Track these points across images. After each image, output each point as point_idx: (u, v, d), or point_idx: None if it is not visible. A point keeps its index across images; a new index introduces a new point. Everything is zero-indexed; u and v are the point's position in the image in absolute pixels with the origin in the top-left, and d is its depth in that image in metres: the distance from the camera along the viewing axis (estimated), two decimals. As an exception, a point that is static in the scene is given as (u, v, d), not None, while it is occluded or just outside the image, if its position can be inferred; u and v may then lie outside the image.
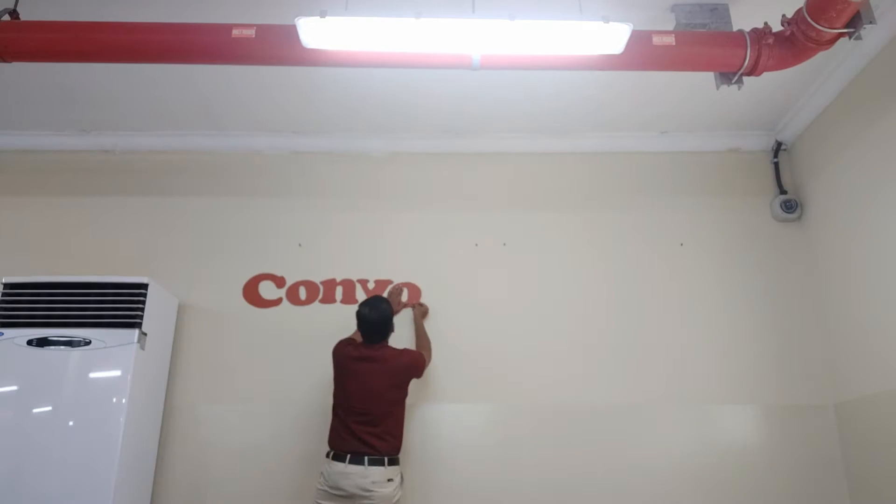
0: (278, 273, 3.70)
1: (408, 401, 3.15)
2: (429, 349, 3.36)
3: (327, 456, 2.90)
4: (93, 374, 3.03)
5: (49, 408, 2.96)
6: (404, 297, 3.61)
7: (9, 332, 3.06)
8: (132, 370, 3.04)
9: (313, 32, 2.36)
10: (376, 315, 3.07)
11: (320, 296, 3.66)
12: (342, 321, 3.58)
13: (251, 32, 2.54)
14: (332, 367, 3.10)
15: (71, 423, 2.94)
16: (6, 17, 2.59)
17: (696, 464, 3.34)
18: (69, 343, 3.06)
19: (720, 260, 3.72)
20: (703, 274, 3.69)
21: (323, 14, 2.27)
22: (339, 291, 3.67)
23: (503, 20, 2.27)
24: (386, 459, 2.85)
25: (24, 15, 2.64)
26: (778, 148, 3.88)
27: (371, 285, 3.67)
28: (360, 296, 3.64)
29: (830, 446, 3.35)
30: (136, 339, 3.08)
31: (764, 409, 3.44)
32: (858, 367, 3.22)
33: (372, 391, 2.94)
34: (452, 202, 3.87)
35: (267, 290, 3.67)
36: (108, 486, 2.86)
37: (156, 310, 3.28)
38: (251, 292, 3.67)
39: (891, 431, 2.95)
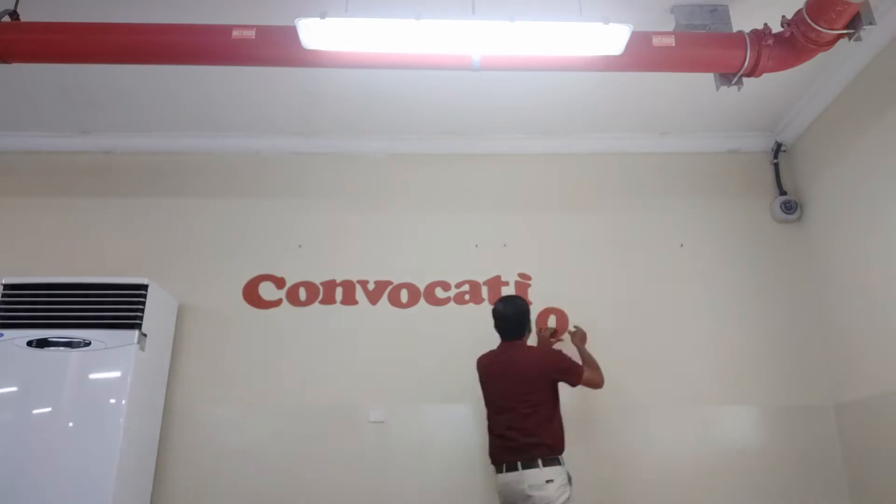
0: (278, 274, 3.70)
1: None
2: (595, 367, 3.12)
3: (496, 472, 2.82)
4: (92, 376, 3.03)
5: (49, 409, 2.96)
6: (552, 323, 3.53)
7: (9, 333, 3.06)
8: (132, 371, 3.03)
9: (313, 33, 2.36)
10: (511, 309, 2.99)
11: (320, 297, 3.66)
12: (342, 322, 3.60)
13: (251, 33, 2.54)
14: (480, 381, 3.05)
15: (71, 425, 2.94)
16: (6, 19, 2.59)
17: (696, 464, 3.34)
18: (69, 344, 3.05)
19: (720, 261, 3.72)
20: (703, 275, 3.69)
21: (323, 15, 2.27)
22: (338, 292, 3.67)
23: (503, 21, 2.27)
24: (540, 461, 2.69)
25: (25, 16, 2.64)
26: (778, 149, 3.88)
27: (371, 286, 3.67)
28: (361, 297, 3.65)
29: (830, 447, 3.35)
30: (135, 340, 3.08)
31: (764, 410, 3.44)
32: (858, 368, 3.22)
33: (507, 394, 2.84)
34: (452, 203, 3.87)
35: (267, 290, 3.67)
36: (108, 487, 2.85)
37: (156, 311, 3.28)
38: (251, 293, 3.67)
39: (891, 432, 2.95)
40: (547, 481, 2.65)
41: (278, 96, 3.55)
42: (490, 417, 2.93)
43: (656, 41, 2.59)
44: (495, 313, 3.05)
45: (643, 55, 2.61)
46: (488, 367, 3.01)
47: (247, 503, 3.27)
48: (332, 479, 3.31)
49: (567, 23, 2.32)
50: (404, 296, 3.67)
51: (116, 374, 3.03)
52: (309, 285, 3.68)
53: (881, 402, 3.03)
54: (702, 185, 3.89)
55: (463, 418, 3.43)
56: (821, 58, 2.76)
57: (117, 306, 3.14)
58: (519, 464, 2.70)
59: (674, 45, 2.60)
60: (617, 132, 3.91)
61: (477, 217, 3.83)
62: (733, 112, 3.70)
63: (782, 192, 3.81)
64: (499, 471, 2.77)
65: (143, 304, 3.16)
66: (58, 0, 2.77)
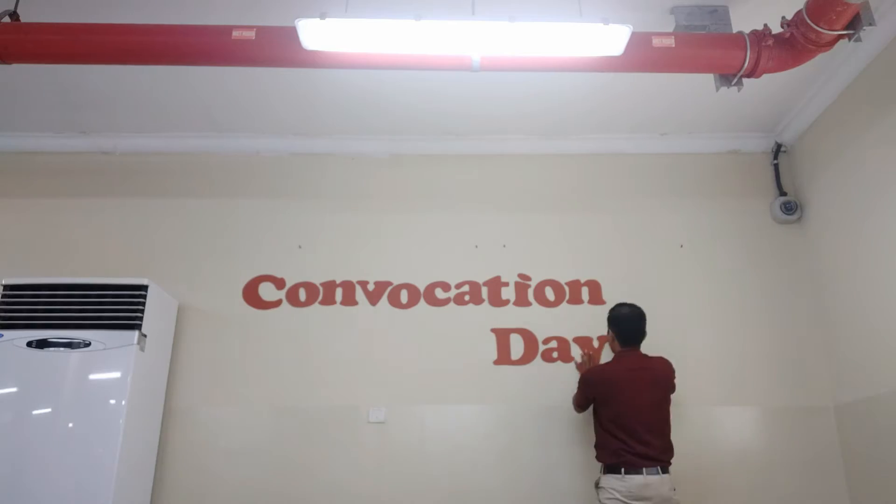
0: (278, 275, 3.70)
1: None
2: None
3: (614, 472, 2.81)
4: (92, 376, 3.03)
5: (49, 410, 2.96)
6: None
7: (8, 334, 3.06)
8: (132, 372, 3.03)
9: (313, 34, 2.36)
10: (639, 311, 3.09)
11: (320, 297, 3.66)
12: (342, 322, 3.60)
13: (251, 34, 2.54)
14: (593, 391, 3.03)
15: (71, 425, 2.94)
16: (6, 19, 2.60)
17: (696, 465, 3.33)
18: (69, 345, 3.05)
19: (720, 261, 3.72)
20: (703, 275, 3.69)
21: (323, 16, 2.27)
22: (338, 293, 3.67)
23: (503, 22, 2.28)
24: (669, 467, 2.84)
25: (25, 17, 2.64)
26: (778, 150, 3.88)
27: (371, 287, 3.67)
28: (360, 297, 3.64)
29: (830, 448, 3.35)
30: (135, 341, 3.08)
31: (764, 411, 3.44)
32: (858, 369, 3.22)
33: (654, 402, 2.92)
34: (452, 204, 3.87)
35: (267, 291, 3.67)
36: (108, 487, 2.85)
37: (156, 311, 3.28)
38: (251, 294, 3.67)
39: (891, 433, 2.95)
40: (673, 488, 2.82)
41: (278, 97, 3.55)
42: (627, 420, 2.87)
43: (656, 42, 2.59)
44: (622, 318, 3.08)
45: (643, 56, 2.61)
46: (629, 372, 2.98)
47: (246, 503, 3.27)
48: (332, 479, 3.31)
49: (567, 23, 2.32)
50: (404, 296, 3.67)
51: (116, 374, 3.03)
52: (309, 286, 3.68)
53: (881, 403, 3.03)
54: (702, 185, 3.89)
55: (463, 418, 3.44)
56: (821, 58, 2.76)
57: (117, 307, 3.14)
58: (659, 468, 2.79)
59: (674, 45, 2.60)
60: (617, 133, 3.91)
61: (477, 217, 3.83)
62: (733, 113, 3.70)
63: (782, 193, 3.81)
64: (635, 472, 2.77)
65: (143, 304, 3.15)
66: (58, 0, 2.77)
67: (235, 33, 2.54)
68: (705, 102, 3.52)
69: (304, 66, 2.65)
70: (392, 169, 3.95)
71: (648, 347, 3.55)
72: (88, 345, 3.06)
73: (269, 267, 3.72)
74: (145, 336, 3.15)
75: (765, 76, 2.70)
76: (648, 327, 3.58)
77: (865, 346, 3.17)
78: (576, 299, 3.66)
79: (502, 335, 3.58)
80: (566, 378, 3.49)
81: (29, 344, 3.04)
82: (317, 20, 2.28)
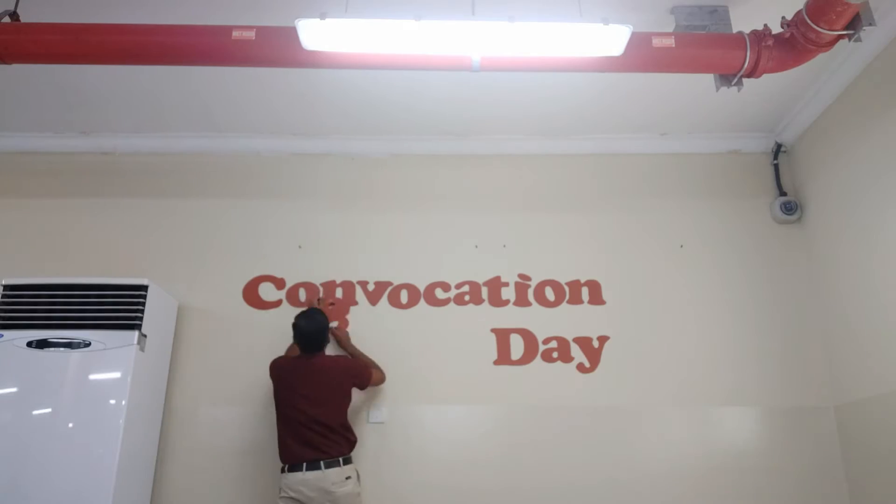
0: (278, 275, 3.70)
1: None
2: (373, 363, 3.38)
3: (283, 470, 2.97)
4: (92, 376, 3.03)
5: (49, 410, 2.96)
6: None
7: (8, 334, 3.06)
8: (132, 372, 3.03)
9: (313, 34, 2.36)
10: (314, 326, 3.17)
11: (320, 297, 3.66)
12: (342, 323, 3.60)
13: (251, 34, 2.54)
14: (274, 383, 3.16)
15: (71, 425, 2.94)
16: (6, 19, 2.60)
17: (696, 466, 3.34)
18: (69, 345, 3.05)
19: (720, 261, 3.72)
20: (703, 276, 3.69)
21: (323, 16, 2.27)
22: (338, 293, 3.67)
23: (503, 22, 2.27)
24: (340, 460, 2.96)
25: (25, 17, 2.64)
26: (778, 150, 3.88)
27: (371, 287, 3.67)
28: (360, 297, 3.65)
29: (830, 448, 3.35)
30: (135, 341, 3.08)
31: (764, 411, 3.44)
32: (858, 369, 3.22)
33: (319, 400, 3.03)
34: (452, 204, 3.87)
35: (267, 291, 3.67)
36: (108, 487, 2.85)
37: (155, 311, 3.27)
38: (251, 294, 3.67)
39: (891, 433, 2.95)
40: (346, 478, 2.95)
41: (278, 97, 3.55)
42: (292, 419, 3.02)
43: (656, 42, 2.59)
44: (297, 329, 3.18)
45: (643, 56, 2.60)
46: (296, 376, 3.11)
47: (245, 503, 3.28)
48: (332, 479, 3.31)
49: (567, 23, 2.32)
50: (404, 296, 3.67)
51: (116, 374, 3.03)
52: (309, 286, 3.68)
53: (881, 403, 3.03)
54: (702, 185, 3.89)
55: (463, 418, 3.44)
56: (821, 59, 2.76)
57: (117, 307, 3.14)
58: (321, 463, 2.93)
59: (674, 45, 2.60)
60: (617, 133, 3.90)
61: (477, 217, 3.83)
62: (733, 113, 3.70)
63: (782, 193, 3.81)
64: (296, 470, 2.92)
65: (143, 304, 3.15)
66: (58, 0, 2.77)
67: (235, 33, 2.54)
68: (705, 102, 3.52)
69: (304, 66, 2.65)
70: (392, 169, 3.95)
71: (649, 347, 3.56)
72: (88, 345, 3.06)
73: (269, 267, 3.72)
74: (145, 336, 3.15)
75: (765, 76, 2.70)
76: (649, 328, 3.60)
77: (865, 346, 3.17)
78: (576, 299, 3.66)
79: (502, 335, 3.58)
80: (566, 378, 3.49)
81: (29, 344, 3.04)
82: (317, 20, 2.28)
